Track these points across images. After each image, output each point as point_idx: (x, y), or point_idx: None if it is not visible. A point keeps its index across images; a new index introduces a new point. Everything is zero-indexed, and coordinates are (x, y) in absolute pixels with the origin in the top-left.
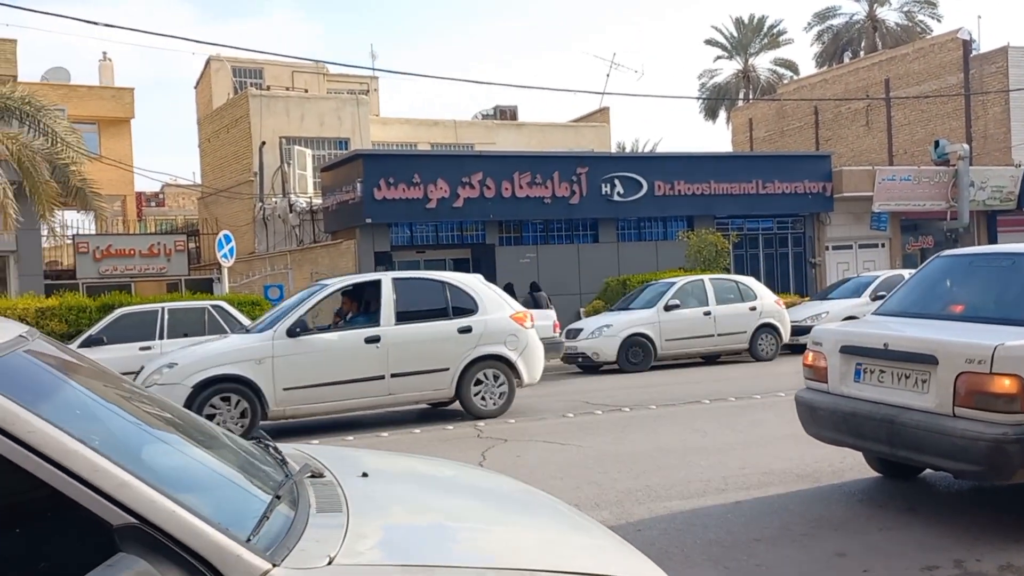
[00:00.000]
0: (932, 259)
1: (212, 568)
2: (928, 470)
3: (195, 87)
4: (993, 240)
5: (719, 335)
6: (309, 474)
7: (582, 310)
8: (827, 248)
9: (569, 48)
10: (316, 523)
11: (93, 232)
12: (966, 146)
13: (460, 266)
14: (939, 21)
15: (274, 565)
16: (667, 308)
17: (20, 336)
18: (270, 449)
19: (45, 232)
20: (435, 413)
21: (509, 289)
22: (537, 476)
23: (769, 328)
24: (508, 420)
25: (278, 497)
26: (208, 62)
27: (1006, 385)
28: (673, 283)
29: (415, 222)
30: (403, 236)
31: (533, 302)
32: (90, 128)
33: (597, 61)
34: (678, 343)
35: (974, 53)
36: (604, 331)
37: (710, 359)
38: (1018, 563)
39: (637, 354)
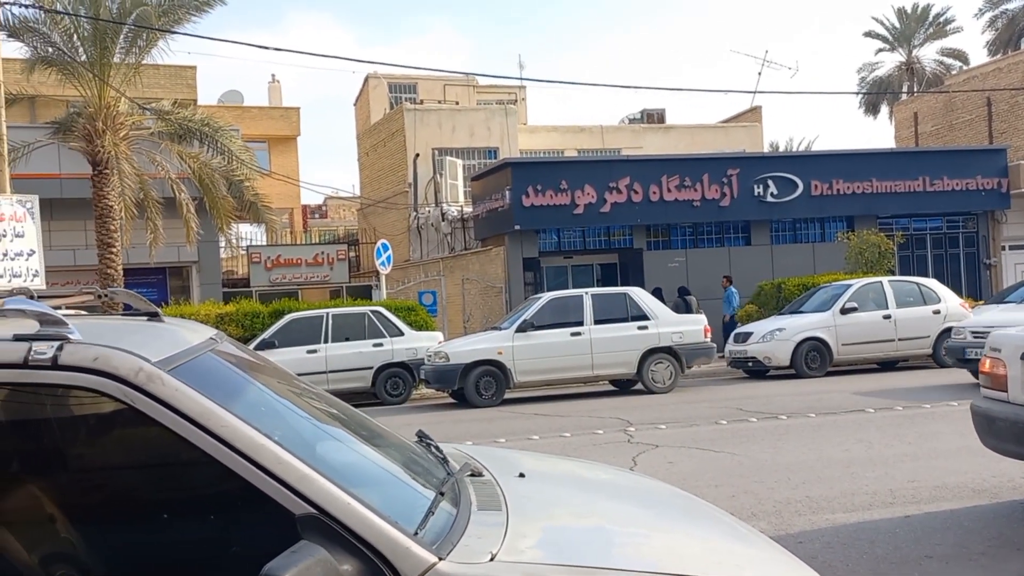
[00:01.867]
0: None
1: (383, 559)
2: None
3: (355, 104)
4: None
5: (900, 340)
6: (469, 473)
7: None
8: (1003, 248)
9: (719, 48)
10: (477, 520)
11: (264, 243)
12: None
13: (607, 271)
14: None
15: (440, 559)
16: (843, 311)
17: (210, 338)
18: (431, 448)
19: (223, 244)
20: (586, 421)
21: (657, 293)
22: (691, 484)
23: None
24: (659, 426)
25: (441, 494)
26: (366, 80)
27: None
28: (849, 285)
29: (563, 228)
30: (551, 242)
31: (684, 306)
32: (261, 146)
33: (748, 60)
34: (856, 348)
35: None
36: (776, 335)
37: (888, 365)
38: None
39: (814, 359)
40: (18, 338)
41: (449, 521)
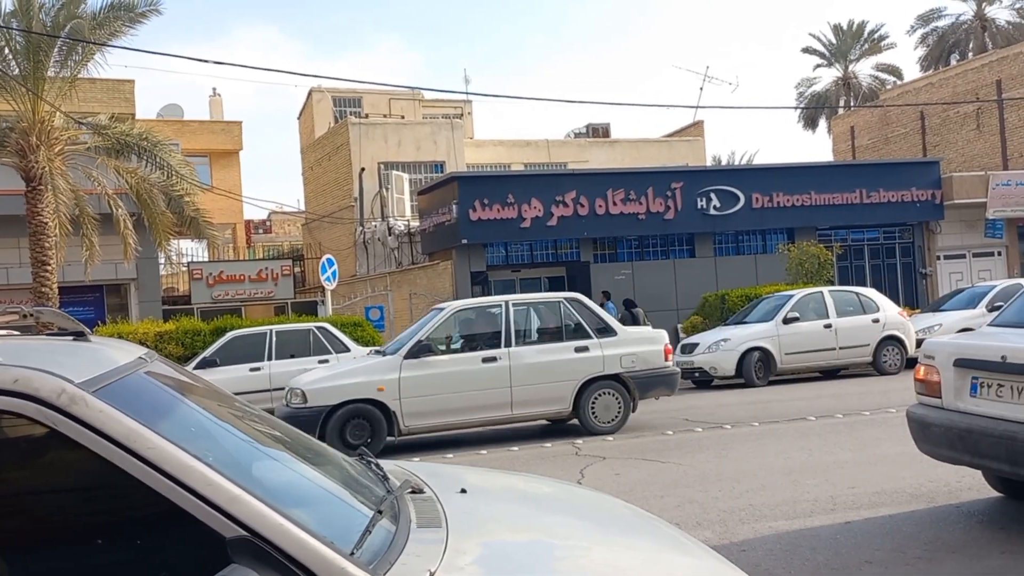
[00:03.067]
0: None
1: None
2: None
3: (298, 118)
4: None
5: (841, 348)
6: (409, 490)
7: (679, 326)
8: (938, 258)
9: (661, 64)
10: (416, 538)
11: (206, 259)
12: None
13: (555, 284)
14: None
15: None
16: (786, 321)
17: (140, 358)
18: (372, 465)
19: (162, 260)
20: (532, 434)
21: (605, 298)
22: (637, 494)
23: (893, 340)
24: (606, 438)
25: (380, 512)
26: (310, 93)
27: None
28: (791, 295)
29: (510, 241)
30: (498, 255)
31: (632, 319)
32: (202, 160)
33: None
34: (798, 356)
35: None
36: (722, 345)
37: (830, 373)
38: None
39: (759, 368)
40: None
41: (387, 539)
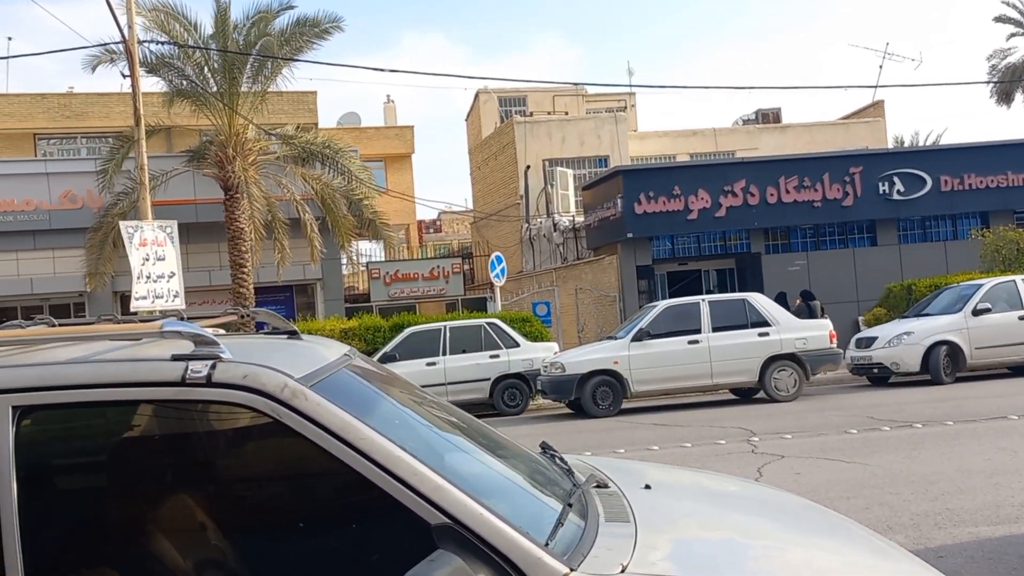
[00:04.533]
0: None
1: (517, 569)
2: None
3: (466, 120)
4: None
5: None
6: (595, 484)
7: (861, 318)
8: None
9: (835, 46)
10: (606, 532)
11: (383, 259)
12: None
13: (724, 277)
14: None
15: (572, 569)
16: (976, 312)
17: (345, 355)
18: (556, 459)
19: (344, 261)
20: (707, 431)
21: (781, 299)
22: (820, 495)
23: None
24: (784, 436)
25: (569, 505)
26: (477, 95)
27: None
28: (980, 284)
29: (676, 234)
30: (664, 249)
31: (808, 311)
32: (378, 165)
33: (868, 54)
34: (990, 351)
35: None
36: (904, 339)
37: (1019, 370)
38: None
39: (946, 364)
40: (176, 358)
41: (578, 532)
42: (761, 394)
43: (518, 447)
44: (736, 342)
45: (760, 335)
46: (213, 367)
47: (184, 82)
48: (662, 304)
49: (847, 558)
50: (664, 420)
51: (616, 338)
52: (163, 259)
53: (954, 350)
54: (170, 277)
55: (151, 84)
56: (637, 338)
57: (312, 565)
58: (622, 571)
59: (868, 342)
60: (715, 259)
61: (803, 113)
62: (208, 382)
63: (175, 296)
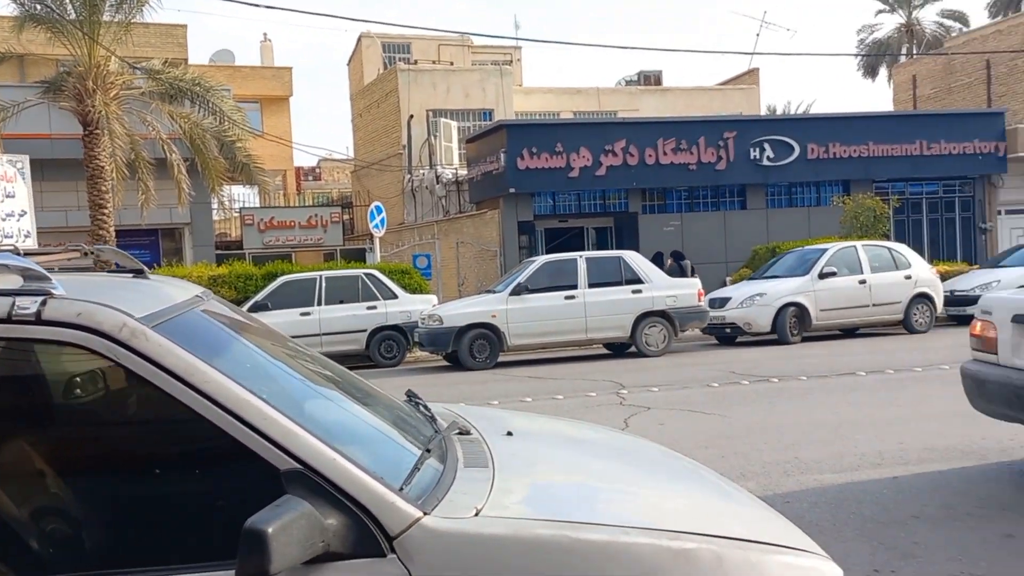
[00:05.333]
0: None
1: (368, 513)
2: None
3: (348, 64)
4: None
5: (874, 305)
6: (457, 431)
7: (728, 279)
8: (999, 212)
9: (716, 7)
10: (464, 477)
11: (257, 205)
12: None
13: (603, 235)
14: None
15: (425, 513)
16: (822, 276)
17: (196, 296)
18: (420, 407)
19: (215, 205)
20: (579, 384)
21: (657, 259)
22: (681, 445)
23: (924, 298)
24: (651, 389)
25: (428, 451)
26: (360, 39)
27: None
28: (825, 249)
29: (558, 191)
30: (546, 205)
31: (679, 270)
32: (253, 107)
33: (747, 21)
34: (833, 313)
35: None
36: (757, 300)
37: (852, 331)
38: None
39: (793, 324)
40: (1, 293)
41: (435, 477)
42: (633, 349)
43: (384, 396)
44: (611, 298)
45: (634, 292)
46: (44, 303)
47: (38, 6)
48: (540, 259)
49: (694, 500)
50: (539, 373)
51: (495, 292)
52: (13, 196)
53: (802, 311)
54: (21, 216)
55: (1, 6)
56: (515, 292)
57: (156, 510)
58: (476, 514)
59: (722, 302)
60: (595, 217)
61: (683, 77)
62: (37, 319)
63: (26, 236)
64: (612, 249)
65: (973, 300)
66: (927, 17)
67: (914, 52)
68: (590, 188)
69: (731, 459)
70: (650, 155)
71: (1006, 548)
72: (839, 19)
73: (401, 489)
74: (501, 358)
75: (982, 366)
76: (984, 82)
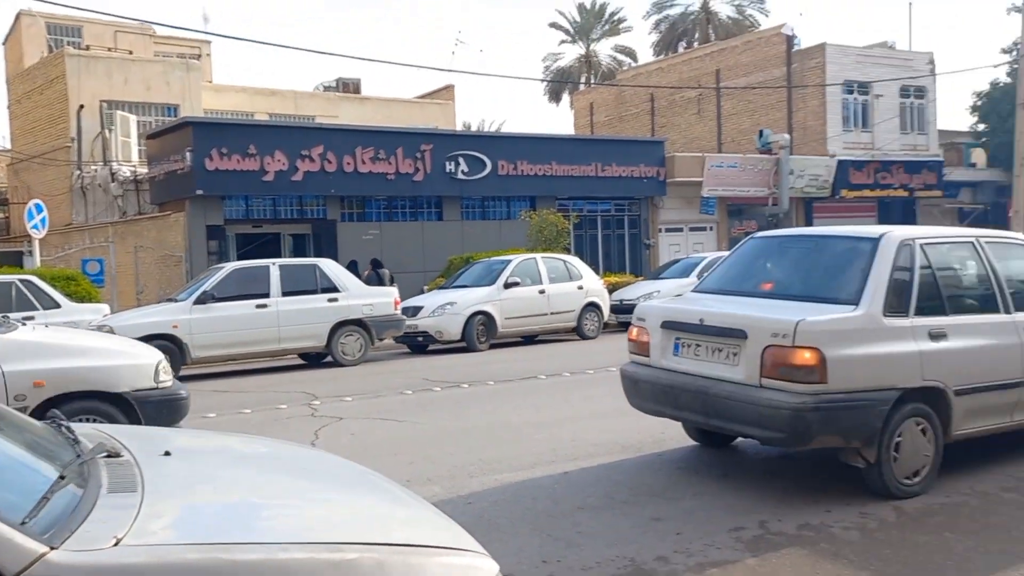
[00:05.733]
0: (746, 240)
1: None
2: (740, 438)
3: (3, 43)
4: (810, 225)
5: (552, 313)
6: (104, 453)
7: (426, 287)
8: (660, 230)
9: (415, 23)
10: (106, 504)
11: None
12: (787, 136)
13: (300, 242)
14: (767, 16)
15: (52, 548)
16: (507, 285)
17: None
18: (62, 428)
19: None
20: (269, 397)
21: (352, 266)
22: (372, 454)
23: (594, 307)
24: (345, 399)
25: (63, 477)
26: (19, 17)
27: (806, 357)
28: (509, 260)
29: (251, 195)
30: (238, 209)
31: (377, 279)
32: None
33: (443, 37)
34: (517, 321)
35: (796, 48)
36: (448, 309)
37: (532, 338)
38: (814, 522)
39: (481, 332)
40: None
41: (70, 506)
42: (329, 359)
43: (16, 417)
44: (305, 307)
45: (330, 300)
46: None
47: None
48: (229, 266)
49: (361, 510)
50: (226, 386)
51: (177, 301)
52: None
53: (489, 319)
54: None
55: None
56: (200, 301)
57: None
58: (115, 544)
59: (414, 311)
60: (292, 223)
61: (382, 87)
62: None
63: None
64: (311, 256)
65: (618, 310)
66: (603, 50)
67: (592, 81)
68: (287, 193)
69: (420, 464)
70: (348, 163)
71: (653, 530)
72: (529, 45)
73: (24, 523)
74: (184, 371)
75: (637, 367)
76: (649, 113)
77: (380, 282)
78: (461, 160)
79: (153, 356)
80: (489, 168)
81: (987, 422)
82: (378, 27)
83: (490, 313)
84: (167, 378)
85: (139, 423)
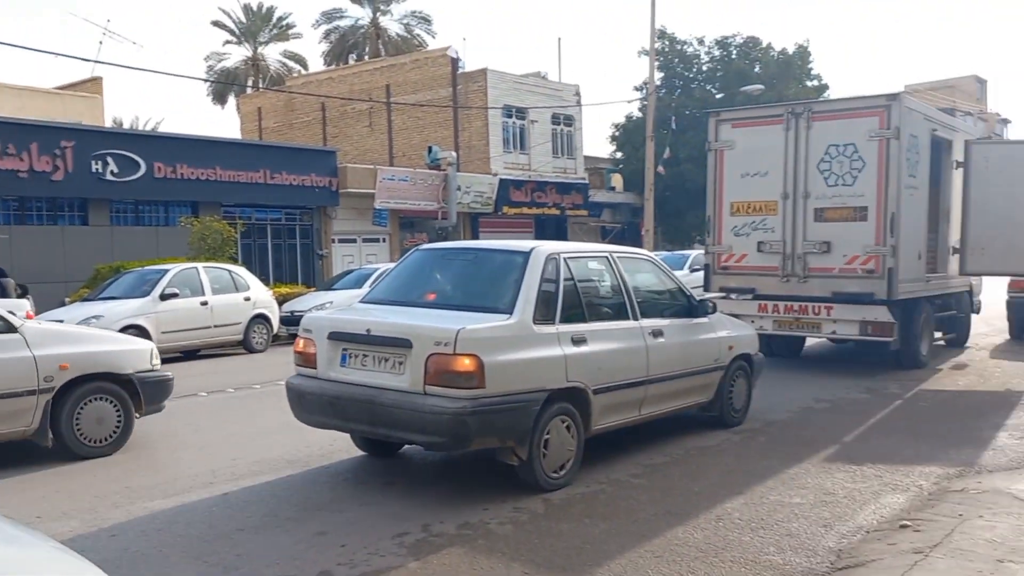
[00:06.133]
0: (411, 252)
1: None
2: (406, 445)
3: None
4: (476, 238)
5: (216, 326)
6: None
7: (67, 299)
8: (333, 240)
9: (56, 6)
10: None
11: None
12: (454, 154)
13: None
14: (434, 37)
15: None
16: (163, 297)
17: None
18: None
19: None
20: None
21: None
22: None
23: (263, 319)
24: None
25: None
26: None
27: (466, 364)
28: (167, 270)
29: None
30: None
31: (1, 290)
32: None
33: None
34: (177, 335)
35: (461, 70)
36: (93, 323)
37: (194, 353)
38: (473, 520)
39: None
40: None
41: None
42: None
43: None
44: None
45: None
46: None
47: None
48: None
49: None
50: None
51: None
52: None
53: (143, 334)
54: None
55: None
56: None
57: None
58: None
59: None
60: None
61: (16, 75)
62: None
63: None
64: None
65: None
66: (271, 54)
67: (260, 86)
68: None
69: (53, 498)
70: None
71: (318, 544)
72: (190, 42)
73: None
74: None
75: (303, 380)
76: (321, 122)
77: (4, 293)
78: (110, 160)
79: (147, 344)
80: (144, 170)
81: (620, 417)
82: (14, 12)
83: (143, 327)
84: (156, 362)
85: (139, 400)
